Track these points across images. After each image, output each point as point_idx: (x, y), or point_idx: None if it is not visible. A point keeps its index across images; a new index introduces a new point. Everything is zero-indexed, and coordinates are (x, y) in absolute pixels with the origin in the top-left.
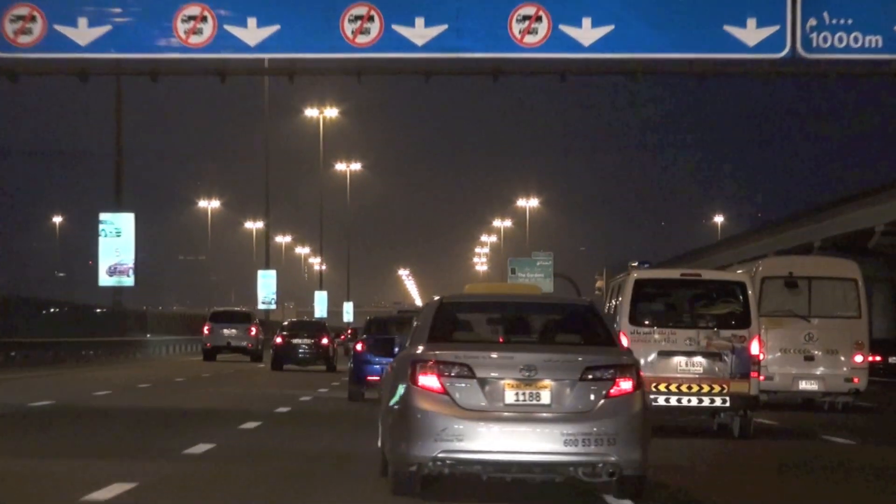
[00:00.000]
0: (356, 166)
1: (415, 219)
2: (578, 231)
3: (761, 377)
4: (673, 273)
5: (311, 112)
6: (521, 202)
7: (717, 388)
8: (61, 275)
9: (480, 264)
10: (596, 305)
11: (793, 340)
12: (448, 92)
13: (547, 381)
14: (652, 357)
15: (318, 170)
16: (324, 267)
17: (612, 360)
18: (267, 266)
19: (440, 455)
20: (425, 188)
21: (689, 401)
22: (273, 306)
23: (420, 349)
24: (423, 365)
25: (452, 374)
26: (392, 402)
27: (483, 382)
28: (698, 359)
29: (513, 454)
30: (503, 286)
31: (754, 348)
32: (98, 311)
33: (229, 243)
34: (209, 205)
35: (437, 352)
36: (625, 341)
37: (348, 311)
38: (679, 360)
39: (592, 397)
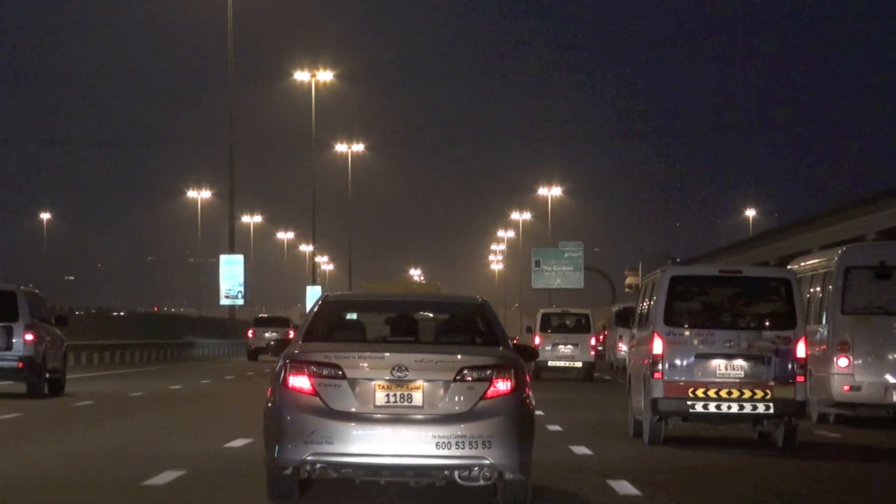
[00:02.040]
0: (358, 147)
1: (425, 213)
2: (605, 223)
3: (845, 387)
4: (711, 270)
5: (301, 76)
6: (543, 191)
7: (759, 394)
8: None
9: (496, 262)
10: (487, 305)
11: (885, 343)
12: (459, 68)
13: (419, 382)
14: (689, 360)
15: (309, 141)
16: (331, 266)
17: (489, 361)
18: (231, 249)
19: (310, 458)
20: (435, 175)
21: (730, 407)
22: (240, 301)
23: (292, 349)
24: (294, 365)
25: (323, 375)
26: (267, 404)
27: (353, 383)
28: (739, 362)
29: (384, 457)
30: (402, 285)
31: (800, 350)
32: None
33: (223, 239)
34: (199, 195)
35: (308, 352)
36: (659, 343)
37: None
38: (718, 364)
39: (467, 398)
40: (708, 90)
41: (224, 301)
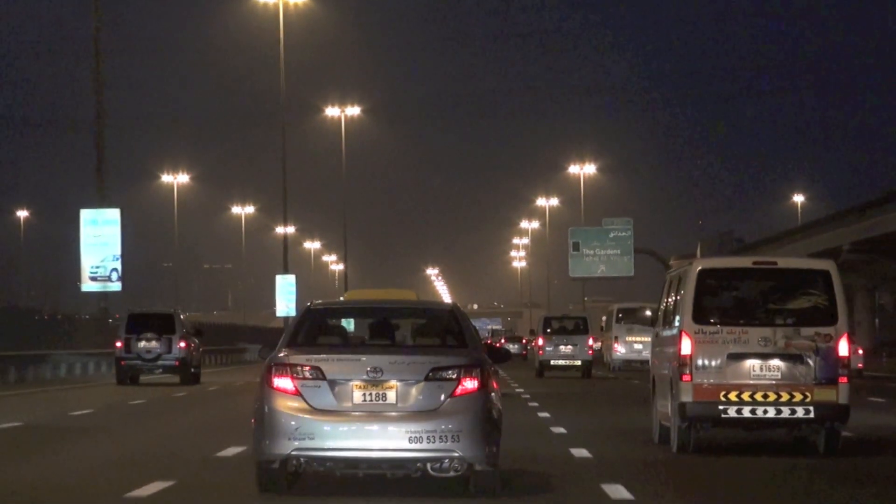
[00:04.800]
0: (354, 111)
1: (440, 203)
2: (650, 204)
3: None
4: (743, 262)
5: None
6: (574, 169)
7: (798, 397)
8: None
9: (518, 259)
10: (457, 309)
11: None
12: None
13: (393, 382)
14: (720, 361)
15: (279, 86)
16: (340, 266)
17: (457, 361)
18: (99, 200)
19: (294, 452)
20: (450, 155)
21: (766, 411)
22: (115, 285)
23: (277, 353)
24: (278, 368)
25: (305, 376)
26: (255, 404)
27: (333, 384)
28: (775, 362)
29: (361, 451)
30: (381, 292)
31: (842, 348)
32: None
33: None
34: (175, 180)
35: (291, 355)
36: (688, 343)
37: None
38: (752, 364)
39: (437, 396)
40: (759, 47)
41: (88, 286)
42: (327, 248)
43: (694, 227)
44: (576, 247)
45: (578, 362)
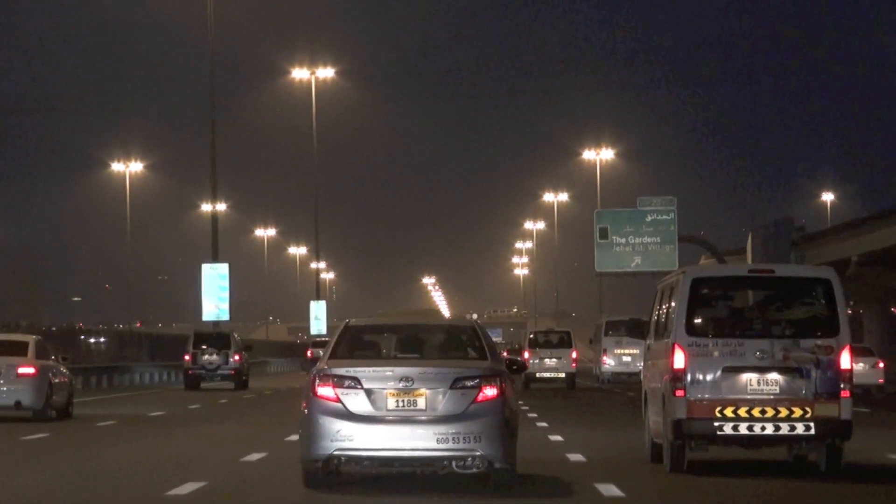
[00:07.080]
0: (327, 73)
1: (438, 206)
2: (684, 192)
3: None
4: (739, 270)
5: None
6: (589, 154)
7: (797, 412)
8: None
9: (520, 266)
10: (478, 325)
11: None
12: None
13: (422, 390)
14: (716, 375)
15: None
16: (331, 274)
17: (478, 372)
18: None
19: (335, 453)
20: (448, 147)
21: (763, 428)
22: None
23: (321, 365)
24: (321, 378)
25: (344, 386)
26: (302, 410)
27: (369, 392)
28: (773, 376)
29: (395, 451)
30: (410, 312)
31: (844, 361)
32: None
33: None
34: (126, 168)
35: (333, 367)
36: (681, 356)
37: (319, 318)
38: (749, 378)
39: (461, 402)
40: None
41: None
42: (314, 254)
43: (741, 217)
44: (603, 234)
45: (563, 374)
